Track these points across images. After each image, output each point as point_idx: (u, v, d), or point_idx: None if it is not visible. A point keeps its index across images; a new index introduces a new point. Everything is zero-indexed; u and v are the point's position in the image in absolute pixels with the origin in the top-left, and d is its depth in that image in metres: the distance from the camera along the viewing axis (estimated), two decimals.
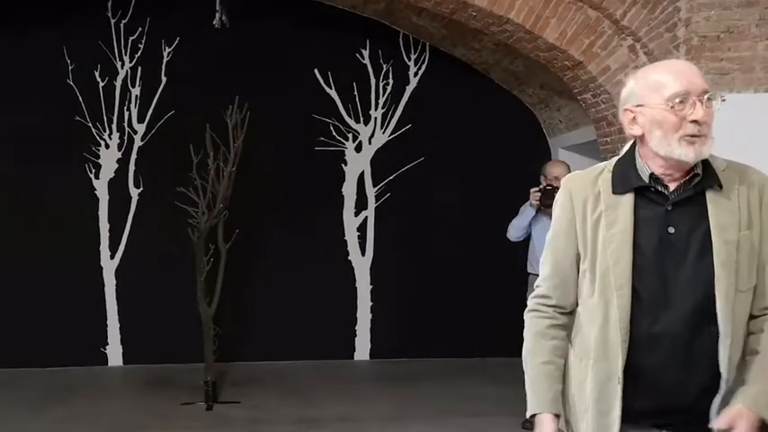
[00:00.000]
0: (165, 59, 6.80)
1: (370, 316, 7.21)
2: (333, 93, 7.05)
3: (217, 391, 5.73)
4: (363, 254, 7.22)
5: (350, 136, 7.13)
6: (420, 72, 7.16)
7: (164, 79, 6.83)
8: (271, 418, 5.29)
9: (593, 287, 1.83)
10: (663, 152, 1.80)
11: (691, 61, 4.32)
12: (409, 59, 7.15)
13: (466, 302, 7.09)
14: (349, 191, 7.19)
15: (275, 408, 5.54)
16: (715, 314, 1.78)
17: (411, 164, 7.14)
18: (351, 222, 7.20)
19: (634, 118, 1.85)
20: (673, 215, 1.82)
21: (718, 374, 1.78)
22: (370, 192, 7.22)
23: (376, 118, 7.17)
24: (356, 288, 7.20)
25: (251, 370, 6.61)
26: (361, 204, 7.21)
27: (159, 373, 6.47)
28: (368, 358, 7.19)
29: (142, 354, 6.79)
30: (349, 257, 7.20)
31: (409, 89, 7.18)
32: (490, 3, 4.80)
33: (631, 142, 1.93)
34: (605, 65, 4.92)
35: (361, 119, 7.14)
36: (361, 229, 7.23)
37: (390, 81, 7.13)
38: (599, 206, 1.81)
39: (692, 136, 1.77)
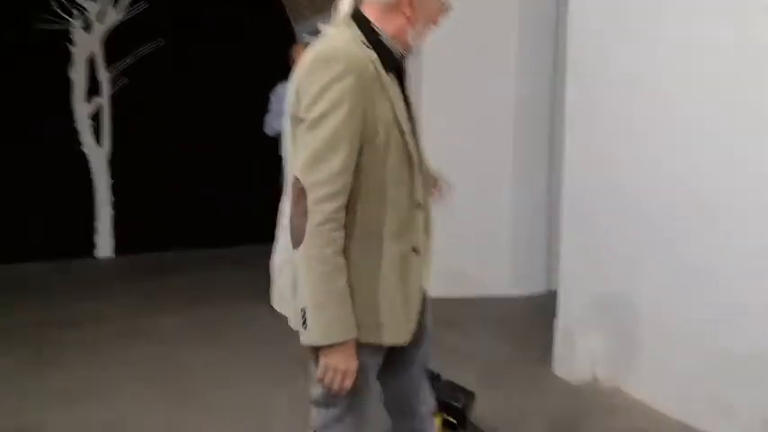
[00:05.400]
0: None
1: (111, 211, 6.81)
2: None
3: None
4: (100, 144, 6.71)
5: (75, 13, 6.41)
6: None
7: None
8: (10, 324, 4.84)
9: (389, 162, 1.76)
10: (412, 41, 1.81)
11: None
12: None
13: (215, 191, 6.98)
14: (78, 75, 6.54)
15: (14, 313, 5.08)
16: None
17: (148, 46, 6.65)
18: (82, 110, 6.61)
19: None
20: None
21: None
22: (104, 77, 6.63)
23: None
24: (92, 181, 6.71)
25: None
26: (93, 90, 6.62)
27: None
28: (112, 255, 6.85)
29: None
30: (83, 148, 6.65)
31: None
32: None
33: (350, 10, 1.81)
34: None
35: None
36: (96, 117, 6.67)
37: None
38: (381, 84, 1.73)
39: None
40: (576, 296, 3.90)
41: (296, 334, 1.86)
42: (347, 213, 1.70)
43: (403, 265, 1.80)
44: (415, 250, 1.83)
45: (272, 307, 1.95)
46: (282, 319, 1.89)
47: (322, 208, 1.64)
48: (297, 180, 1.68)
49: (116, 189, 6.80)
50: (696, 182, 3.23)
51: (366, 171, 1.71)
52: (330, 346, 1.69)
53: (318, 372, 1.73)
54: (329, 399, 1.84)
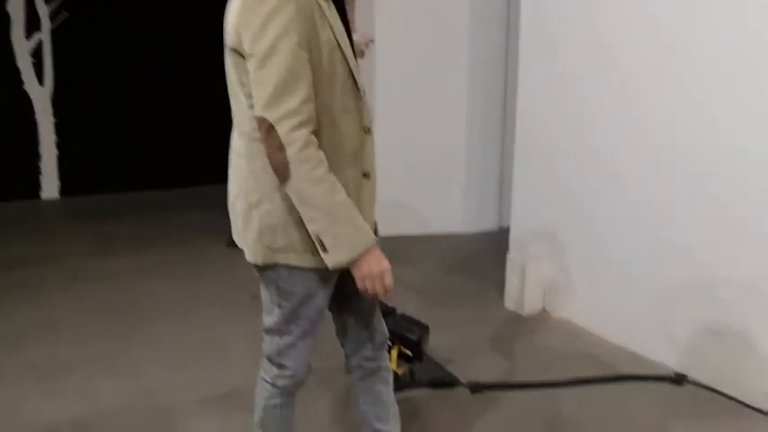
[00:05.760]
0: None
1: (56, 152, 6.61)
2: None
3: None
4: (42, 83, 6.46)
5: None
6: None
7: None
8: None
9: (337, 89, 1.75)
10: None
11: None
12: None
13: (164, 131, 6.82)
14: (16, 9, 6.24)
15: None
16: None
17: None
18: (22, 47, 6.32)
19: None
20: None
21: None
22: (43, 11, 6.34)
23: None
24: (36, 121, 6.49)
25: None
26: (32, 26, 6.33)
27: None
28: (58, 196, 6.69)
29: None
30: (24, 87, 6.39)
31: None
32: None
33: None
34: None
35: None
36: (37, 54, 6.40)
37: None
38: (321, 10, 1.70)
39: None
40: (528, 230, 3.98)
41: (251, 267, 1.87)
42: None
43: (357, 190, 1.81)
44: (365, 175, 1.84)
45: (226, 246, 1.95)
46: (237, 257, 1.90)
47: (297, 135, 1.62)
48: (262, 119, 1.64)
49: (60, 129, 6.58)
50: (648, 119, 3.29)
51: (317, 99, 1.68)
52: (358, 258, 1.68)
53: (358, 284, 1.73)
54: (282, 326, 1.86)
